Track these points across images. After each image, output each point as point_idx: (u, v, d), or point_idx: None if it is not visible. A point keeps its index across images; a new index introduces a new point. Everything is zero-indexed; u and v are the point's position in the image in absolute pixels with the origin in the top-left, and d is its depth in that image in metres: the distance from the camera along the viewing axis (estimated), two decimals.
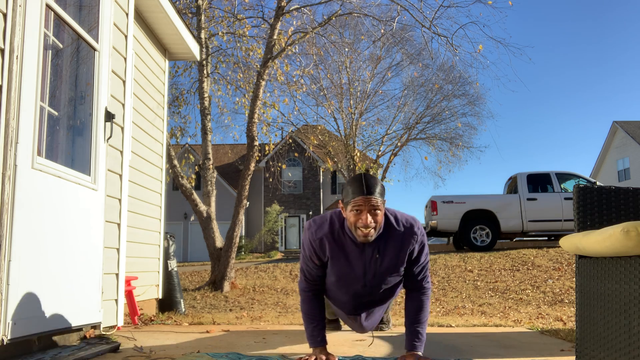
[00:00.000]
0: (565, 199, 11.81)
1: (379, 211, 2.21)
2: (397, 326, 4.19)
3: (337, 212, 2.41)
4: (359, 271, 2.38)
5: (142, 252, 4.76)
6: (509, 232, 12.03)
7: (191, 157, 12.66)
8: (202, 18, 9.63)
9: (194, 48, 5.81)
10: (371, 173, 22.52)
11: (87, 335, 3.00)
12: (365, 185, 2.20)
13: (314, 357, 2.34)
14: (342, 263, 2.37)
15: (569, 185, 12.30)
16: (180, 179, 9.10)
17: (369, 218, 2.19)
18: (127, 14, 3.64)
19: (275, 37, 9.50)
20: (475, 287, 8.68)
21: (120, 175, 3.48)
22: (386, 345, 2.99)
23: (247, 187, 9.33)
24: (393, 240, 2.34)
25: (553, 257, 10.53)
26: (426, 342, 3.12)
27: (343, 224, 2.35)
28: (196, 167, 11.69)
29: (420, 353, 2.34)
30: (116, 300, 3.46)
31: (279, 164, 19.29)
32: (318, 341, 2.40)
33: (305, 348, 2.83)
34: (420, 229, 2.40)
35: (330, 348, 2.84)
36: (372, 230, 2.22)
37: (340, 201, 2.32)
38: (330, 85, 19.98)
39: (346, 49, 17.77)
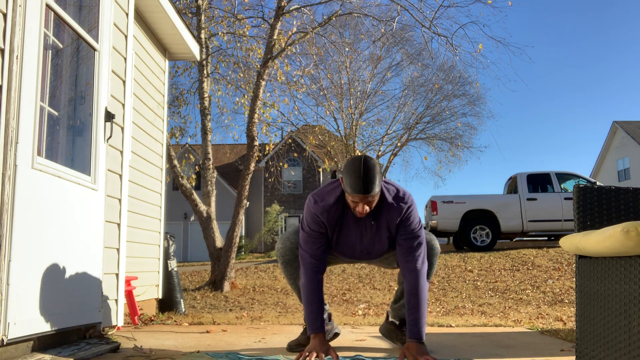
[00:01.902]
0: (565, 199, 11.81)
1: (374, 201, 2.40)
2: None
3: (337, 184, 2.56)
4: (356, 237, 2.58)
5: (142, 252, 4.76)
6: (509, 232, 12.03)
7: (191, 157, 12.66)
8: (202, 18, 9.63)
9: (194, 48, 5.81)
10: None
11: (87, 335, 3.01)
12: (363, 184, 2.31)
13: (314, 355, 2.36)
14: (341, 230, 2.56)
15: (569, 185, 12.30)
16: (180, 179, 9.11)
17: (366, 208, 2.39)
18: (127, 14, 3.64)
19: (275, 37, 9.50)
20: (475, 287, 8.68)
21: (120, 175, 3.48)
22: (386, 345, 2.99)
23: (247, 187, 9.33)
24: (385, 210, 2.52)
25: (553, 257, 10.53)
26: (426, 342, 3.12)
27: (342, 194, 2.52)
28: (196, 167, 11.69)
29: (421, 338, 2.46)
30: (116, 300, 3.46)
31: (279, 164, 19.28)
32: (317, 326, 2.48)
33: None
34: (409, 200, 2.56)
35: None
36: (367, 212, 2.42)
37: (341, 178, 2.45)
38: (330, 85, 19.98)
39: (346, 49, 17.78)
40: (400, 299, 2.88)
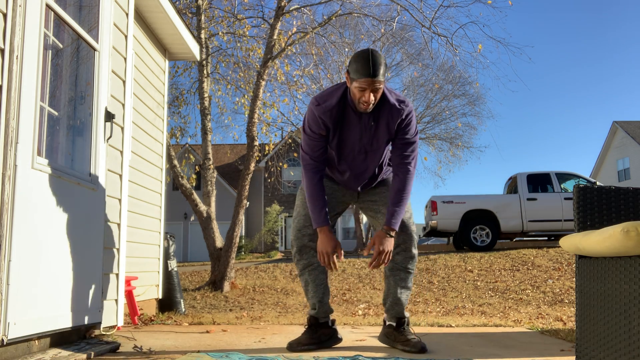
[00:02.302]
0: (565, 199, 11.81)
1: (380, 90, 2.50)
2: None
3: (338, 85, 2.65)
4: (356, 136, 2.66)
5: (142, 252, 4.76)
6: (509, 232, 12.03)
7: (191, 157, 12.66)
8: (202, 18, 9.63)
9: (194, 48, 5.81)
10: None
11: (87, 335, 3.01)
12: (372, 67, 2.42)
13: (327, 257, 2.60)
14: (343, 130, 2.65)
15: (569, 185, 12.30)
16: (180, 179, 9.10)
17: (372, 97, 2.48)
18: (127, 14, 3.64)
19: (275, 37, 9.50)
20: (475, 287, 8.68)
21: (120, 175, 3.48)
22: (386, 345, 2.99)
23: (247, 187, 9.33)
24: (386, 111, 2.62)
25: (553, 257, 10.53)
26: (426, 342, 3.12)
27: (345, 94, 2.60)
28: (196, 167, 11.69)
29: (395, 229, 2.66)
30: (116, 300, 3.46)
31: (279, 164, 19.26)
32: (322, 220, 2.64)
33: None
34: (410, 105, 2.69)
35: (330, 348, 2.84)
36: (372, 105, 2.52)
37: (346, 72, 2.54)
38: (331, 85, 19.99)
39: (346, 49, 17.77)
40: (388, 296, 2.89)
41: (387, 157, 2.88)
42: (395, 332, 2.87)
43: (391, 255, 2.68)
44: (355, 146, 2.69)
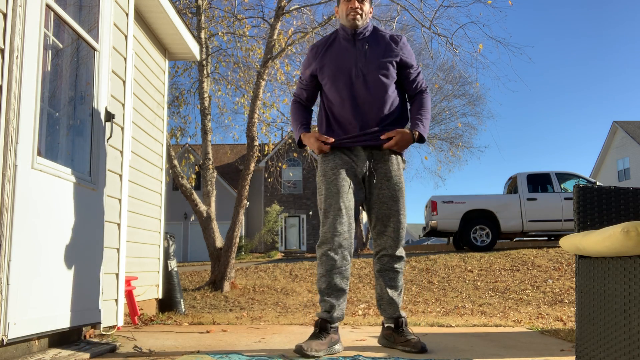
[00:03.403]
0: (565, 199, 11.81)
1: (366, 2, 2.77)
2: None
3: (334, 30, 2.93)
4: (351, 60, 2.78)
5: (142, 252, 4.76)
6: (509, 232, 12.03)
7: (191, 157, 12.66)
8: (202, 18, 9.63)
9: (194, 48, 5.81)
10: None
11: (87, 335, 3.01)
12: None
13: (319, 149, 2.75)
14: (338, 55, 2.80)
15: (569, 185, 12.31)
16: (180, 179, 9.10)
17: (357, 3, 2.74)
18: (127, 14, 3.64)
19: (275, 37, 9.50)
20: (475, 287, 8.68)
21: (120, 175, 3.48)
22: (386, 347, 2.99)
23: (247, 187, 9.33)
24: (380, 38, 2.83)
25: (553, 257, 10.54)
26: (426, 342, 3.12)
27: (337, 33, 2.87)
28: (196, 167, 11.70)
29: (422, 133, 2.81)
30: (116, 300, 3.46)
31: (279, 164, 19.27)
32: (302, 128, 2.91)
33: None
34: (404, 38, 2.88)
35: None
36: (359, 16, 2.76)
37: (335, 7, 2.86)
38: None
39: None
40: (381, 297, 2.86)
41: (394, 101, 2.83)
42: (395, 333, 2.84)
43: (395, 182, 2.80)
44: (351, 71, 2.76)
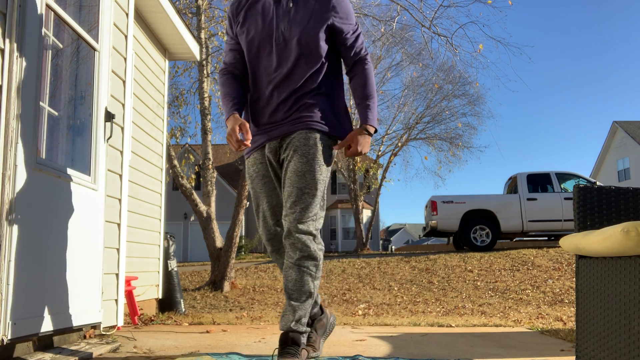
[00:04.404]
0: (565, 199, 11.82)
1: None
2: (396, 326, 4.19)
3: None
4: (272, 22, 2.37)
5: (142, 252, 4.76)
6: (509, 232, 12.04)
7: (191, 157, 12.66)
8: (202, 18, 9.63)
9: (194, 48, 5.81)
10: (371, 173, 22.54)
11: (87, 335, 3.01)
12: None
13: (234, 134, 2.27)
14: (258, 17, 2.40)
15: (569, 185, 12.31)
16: (180, 179, 9.11)
17: None
18: (127, 14, 3.64)
19: None
20: (475, 287, 8.68)
21: (120, 175, 3.48)
22: (386, 345, 2.99)
23: (247, 187, 9.33)
24: None
25: (553, 257, 10.54)
26: (426, 342, 3.12)
27: None
28: (196, 167, 11.69)
29: (374, 125, 2.37)
30: (116, 300, 3.46)
31: None
32: (231, 110, 2.36)
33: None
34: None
35: (329, 348, 2.84)
36: None
37: None
38: None
39: None
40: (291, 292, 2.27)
41: (319, 75, 2.41)
42: (278, 348, 2.18)
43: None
44: (272, 34, 2.35)
